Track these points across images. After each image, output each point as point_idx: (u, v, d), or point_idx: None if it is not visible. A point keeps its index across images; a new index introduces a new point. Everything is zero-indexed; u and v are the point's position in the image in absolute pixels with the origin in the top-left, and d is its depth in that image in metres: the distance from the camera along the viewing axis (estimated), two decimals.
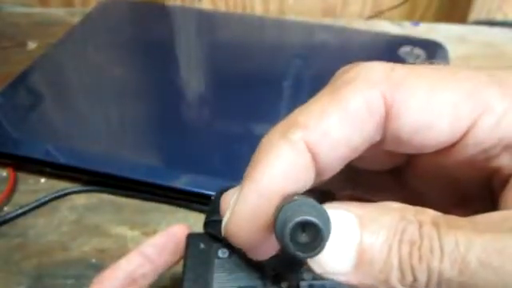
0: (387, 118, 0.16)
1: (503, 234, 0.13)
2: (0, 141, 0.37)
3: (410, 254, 0.13)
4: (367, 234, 0.14)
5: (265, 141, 0.16)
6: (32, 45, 0.52)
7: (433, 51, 0.48)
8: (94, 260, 0.32)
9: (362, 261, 0.14)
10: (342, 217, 0.15)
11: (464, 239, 0.13)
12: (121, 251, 0.32)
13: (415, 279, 0.13)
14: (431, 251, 0.13)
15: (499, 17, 0.57)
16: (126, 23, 0.54)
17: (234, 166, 0.36)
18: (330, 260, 0.14)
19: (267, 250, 0.18)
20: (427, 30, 0.54)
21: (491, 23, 0.56)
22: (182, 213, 0.35)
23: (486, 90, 0.16)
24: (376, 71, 0.16)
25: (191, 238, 0.24)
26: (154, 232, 0.33)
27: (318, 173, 0.16)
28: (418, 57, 0.47)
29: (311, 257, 0.14)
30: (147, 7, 0.56)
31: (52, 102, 0.42)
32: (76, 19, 0.54)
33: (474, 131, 0.16)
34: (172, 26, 0.53)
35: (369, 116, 0.16)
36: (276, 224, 0.14)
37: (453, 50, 0.49)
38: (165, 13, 0.55)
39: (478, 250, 0.13)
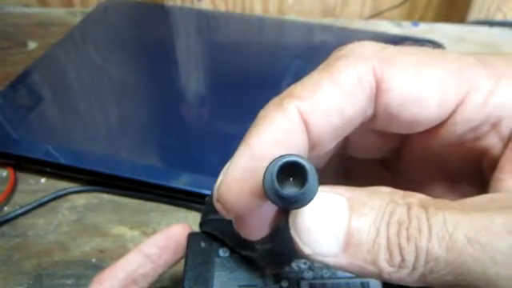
0: (378, 91, 0.16)
1: (490, 212, 0.13)
2: (0, 141, 0.37)
3: (398, 235, 0.14)
4: (356, 216, 0.14)
5: (261, 111, 0.17)
6: (32, 45, 0.52)
7: None
8: (93, 260, 0.32)
9: (350, 242, 0.14)
10: (332, 199, 0.15)
11: (452, 219, 0.13)
12: (120, 251, 0.32)
13: (403, 259, 0.13)
14: (419, 231, 0.13)
15: (498, 17, 0.57)
16: (125, 23, 0.54)
17: None
18: (319, 241, 0.15)
19: (258, 222, 0.18)
20: (427, 30, 0.55)
21: (490, 23, 0.56)
22: (181, 212, 0.35)
23: (473, 70, 0.16)
24: (367, 48, 0.17)
25: (192, 237, 0.24)
26: (154, 232, 0.33)
27: (313, 144, 0.16)
28: None
29: (299, 207, 0.14)
30: (147, 7, 0.56)
31: (52, 102, 0.42)
32: (76, 19, 0.54)
33: (462, 109, 0.16)
34: (172, 26, 0.54)
35: (360, 88, 0.16)
36: (265, 173, 0.14)
37: (452, 50, 0.49)
38: (165, 13, 0.55)
39: (465, 227, 0.13)
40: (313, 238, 0.15)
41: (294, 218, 0.15)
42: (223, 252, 0.24)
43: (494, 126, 0.16)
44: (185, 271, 0.23)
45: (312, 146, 0.16)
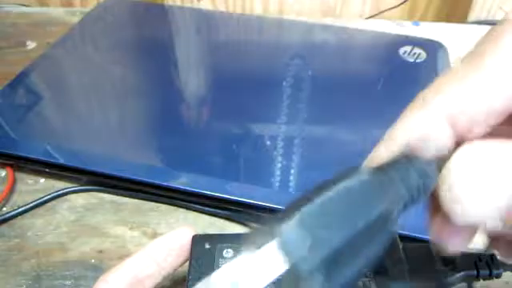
0: None
1: None
2: None
3: None
4: None
5: (408, 107, 0.17)
6: (31, 45, 0.52)
7: (433, 51, 0.48)
8: (93, 260, 0.31)
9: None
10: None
11: None
12: (120, 251, 0.32)
13: None
14: None
15: (499, 16, 0.57)
16: (125, 23, 0.54)
17: (234, 166, 0.36)
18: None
19: None
20: (427, 30, 0.54)
21: (491, 23, 0.56)
22: (181, 213, 0.35)
23: None
24: None
25: (196, 239, 0.25)
26: (154, 232, 0.33)
27: (463, 135, 0.16)
28: (418, 56, 0.47)
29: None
30: (147, 7, 0.56)
31: (51, 101, 0.42)
32: (75, 19, 0.54)
33: None
34: (172, 26, 0.53)
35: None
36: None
37: (453, 50, 0.49)
38: (164, 13, 0.55)
39: None
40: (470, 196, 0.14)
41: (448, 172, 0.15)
42: (227, 253, 0.24)
43: None
44: (189, 272, 0.23)
45: (461, 136, 0.16)
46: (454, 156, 0.15)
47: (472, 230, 0.17)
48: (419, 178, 0.16)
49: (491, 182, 0.14)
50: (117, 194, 0.36)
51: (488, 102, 0.15)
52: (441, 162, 0.15)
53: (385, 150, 0.16)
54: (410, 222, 0.29)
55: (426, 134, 0.16)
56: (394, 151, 0.16)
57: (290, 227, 0.13)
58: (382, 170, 0.16)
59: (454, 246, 0.17)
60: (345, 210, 0.14)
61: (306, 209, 0.14)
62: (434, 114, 0.16)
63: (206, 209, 0.34)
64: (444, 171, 0.15)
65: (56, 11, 0.58)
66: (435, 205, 0.16)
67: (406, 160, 0.16)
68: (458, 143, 0.16)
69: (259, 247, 0.13)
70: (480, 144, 0.15)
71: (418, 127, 0.16)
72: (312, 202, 0.14)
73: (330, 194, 0.14)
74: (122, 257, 0.24)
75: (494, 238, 0.19)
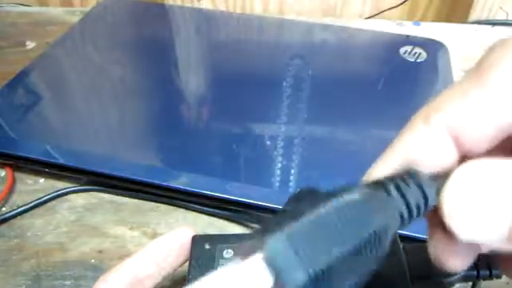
0: None
1: None
2: None
3: None
4: None
5: (409, 123, 0.16)
6: (31, 44, 0.52)
7: (434, 50, 0.48)
8: (92, 260, 0.31)
9: None
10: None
11: None
12: (120, 251, 0.32)
13: None
14: None
15: (500, 16, 0.57)
16: (125, 23, 0.54)
17: (234, 165, 0.36)
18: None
19: None
20: (428, 30, 0.54)
21: (492, 23, 0.56)
22: (180, 213, 0.35)
23: None
24: None
25: (196, 239, 0.25)
26: (154, 232, 0.33)
27: (467, 151, 0.16)
28: (418, 56, 0.47)
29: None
30: (147, 7, 0.56)
31: (51, 101, 0.42)
32: (75, 19, 0.54)
33: None
34: (172, 26, 0.53)
35: None
36: None
37: (453, 49, 0.49)
38: (165, 12, 0.55)
39: None
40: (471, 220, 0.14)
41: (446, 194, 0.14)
42: (227, 253, 0.24)
43: None
44: (189, 272, 0.23)
45: (465, 152, 0.16)
46: (451, 178, 0.15)
47: (475, 249, 0.17)
48: (420, 194, 0.15)
49: (491, 206, 0.14)
50: (117, 194, 0.36)
51: (492, 118, 0.15)
52: (444, 178, 0.15)
53: (385, 165, 0.16)
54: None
55: (428, 149, 0.16)
56: (394, 166, 0.16)
57: (278, 240, 0.13)
58: (381, 184, 0.16)
59: (454, 266, 0.17)
60: (337, 228, 0.13)
61: (296, 225, 0.13)
62: (436, 129, 0.15)
63: (206, 209, 0.34)
64: (442, 194, 0.15)
65: (56, 11, 0.58)
66: (436, 220, 0.16)
67: (407, 176, 0.16)
68: (463, 158, 0.16)
69: (245, 258, 0.13)
70: (477, 164, 0.14)
71: (419, 142, 0.16)
72: (303, 218, 0.13)
73: (322, 210, 0.14)
74: (121, 257, 0.24)
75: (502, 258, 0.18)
